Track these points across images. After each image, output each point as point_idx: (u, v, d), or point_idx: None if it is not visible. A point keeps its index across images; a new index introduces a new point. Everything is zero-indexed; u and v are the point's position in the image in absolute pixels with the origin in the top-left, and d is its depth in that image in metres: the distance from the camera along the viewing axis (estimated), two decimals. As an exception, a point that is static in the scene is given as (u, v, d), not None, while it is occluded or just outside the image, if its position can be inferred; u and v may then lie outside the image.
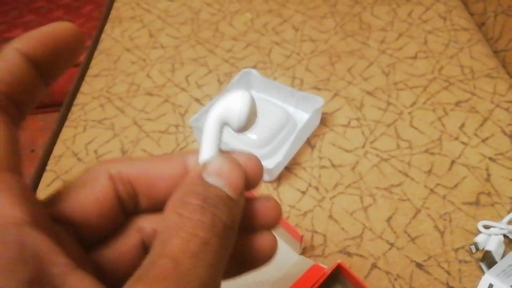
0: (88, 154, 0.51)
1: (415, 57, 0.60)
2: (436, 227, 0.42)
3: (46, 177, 0.50)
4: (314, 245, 0.42)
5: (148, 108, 0.56)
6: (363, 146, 0.50)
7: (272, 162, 0.45)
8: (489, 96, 0.54)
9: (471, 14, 0.69)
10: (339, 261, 0.36)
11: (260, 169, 0.17)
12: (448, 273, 0.39)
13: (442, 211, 0.43)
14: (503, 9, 0.62)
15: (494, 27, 0.63)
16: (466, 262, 0.40)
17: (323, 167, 0.48)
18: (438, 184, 0.45)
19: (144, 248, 0.17)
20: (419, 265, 0.40)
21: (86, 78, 0.62)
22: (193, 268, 0.13)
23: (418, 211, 0.43)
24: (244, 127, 0.16)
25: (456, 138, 0.50)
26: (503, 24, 0.62)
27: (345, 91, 0.56)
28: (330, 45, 0.63)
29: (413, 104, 0.54)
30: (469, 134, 0.50)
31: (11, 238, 0.11)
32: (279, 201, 0.45)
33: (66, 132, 0.55)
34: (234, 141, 0.48)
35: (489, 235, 0.40)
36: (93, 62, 0.65)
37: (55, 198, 0.15)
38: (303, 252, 0.41)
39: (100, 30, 0.71)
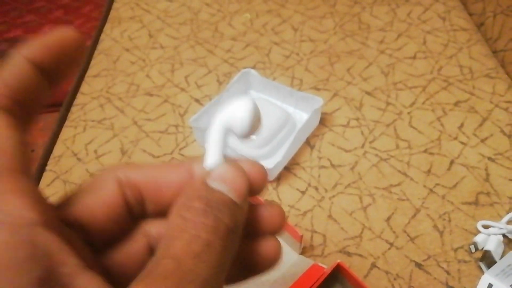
0: (88, 154, 0.51)
1: (414, 57, 0.60)
2: (435, 227, 0.42)
3: (46, 177, 0.50)
4: (313, 245, 0.42)
5: (147, 108, 0.56)
6: (363, 146, 0.50)
7: (271, 162, 0.45)
8: (488, 96, 0.54)
9: (470, 14, 0.69)
10: (338, 260, 0.36)
11: (264, 176, 0.17)
12: (448, 272, 0.39)
13: (441, 211, 0.43)
14: (502, 9, 0.62)
15: (493, 27, 0.63)
16: (465, 262, 0.40)
17: (323, 167, 0.48)
18: (437, 184, 0.46)
19: (151, 252, 0.17)
20: (418, 265, 0.40)
21: (86, 78, 0.62)
22: (195, 268, 0.13)
23: (417, 211, 0.43)
24: (247, 134, 0.16)
25: (455, 138, 0.50)
26: (502, 24, 0.62)
27: (344, 91, 0.56)
28: (329, 45, 0.63)
29: (412, 104, 0.54)
30: (468, 134, 0.50)
31: (23, 238, 0.11)
32: (278, 201, 0.45)
33: (66, 132, 0.55)
34: (234, 142, 0.48)
35: (488, 235, 0.40)
36: (92, 62, 0.65)
37: (66, 202, 0.15)
38: (303, 251, 0.41)
39: (100, 30, 0.71)
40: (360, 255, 0.41)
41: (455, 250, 0.40)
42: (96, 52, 0.66)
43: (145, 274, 0.13)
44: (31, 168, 0.13)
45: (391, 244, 0.41)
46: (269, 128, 0.48)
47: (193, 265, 0.13)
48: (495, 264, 0.37)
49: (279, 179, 0.47)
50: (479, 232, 0.41)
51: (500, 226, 0.40)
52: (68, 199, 0.15)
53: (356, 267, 0.40)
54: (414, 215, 0.43)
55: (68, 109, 0.59)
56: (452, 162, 0.47)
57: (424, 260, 0.40)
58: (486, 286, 0.37)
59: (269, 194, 0.46)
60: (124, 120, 0.55)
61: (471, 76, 0.57)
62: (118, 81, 0.60)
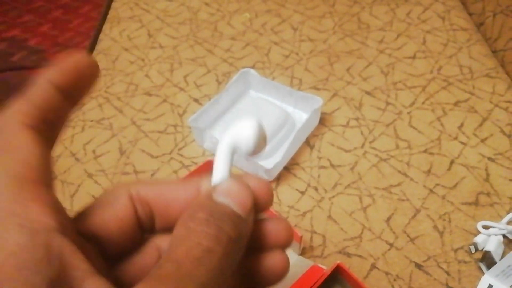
0: (86, 154, 0.51)
1: (414, 57, 0.60)
2: (435, 227, 0.42)
3: (44, 177, 0.50)
4: (313, 246, 0.42)
5: (146, 108, 0.56)
6: (362, 146, 0.50)
7: (271, 162, 0.45)
8: (488, 96, 0.54)
9: (470, 14, 0.69)
10: (338, 261, 0.36)
11: (269, 192, 0.18)
12: (448, 273, 0.39)
13: (441, 211, 0.43)
14: (502, 8, 0.62)
15: (493, 27, 0.63)
16: (465, 262, 0.39)
17: (322, 167, 0.48)
18: (437, 184, 0.45)
19: None
20: (418, 266, 0.39)
21: (84, 78, 0.62)
22: (194, 271, 0.13)
23: (417, 211, 0.43)
24: (253, 153, 0.17)
25: (455, 138, 0.50)
26: (502, 24, 0.62)
27: (344, 91, 0.56)
28: (328, 45, 0.63)
29: (412, 104, 0.54)
30: (468, 134, 0.50)
31: (40, 241, 0.12)
32: (278, 201, 0.45)
33: (64, 132, 0.54)
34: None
35: (489, 235, 0.40)
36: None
37: (81, 215, 0.16)
38: (302, 252, 0.41)
39: (99, 30, 0.71)
40: (360, 256, 0.40)
41: (455, 250, 0.40)
42: (95, 52, 0.66)
43: (147, 277, 0.13)
44: (53, 180, 0.14)
45: (391, 245, 0.41)
46: (269, 128, 0.48)
47: (192, 268, 0.13)
48: (495, 265, 0.37)
49: (278, 179, 0.47)
50: (479, 232, 0.41)
51: (500, 227, 0.40)
52: (84, 212, 0.16)
53: (356, 268, 0.40)
54: (414, 216, 0.43)
55: (66, 109, 0.58)
56: (452, 162, 0.47)
57: (424, 261, 0.40)
58: (486, 286, 0.37)
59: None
60: (123, 120, 0.55)
61: (471, 76, 0.57)
62: (117, 81, 0.60)
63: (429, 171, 0.47)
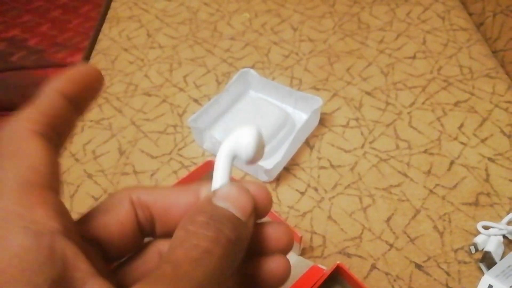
0: (86, 155, 0.51)
1: (414, 57, 0.60)
2: (435, 227, 0.42)
3: (44, 177, 0.50)
4: (313, 246, 0.41)
5: (146, 108, 0.56)
6: (362, 147, 0.50)
7: (270, 163, 0.45)
8: (488, 96, 0.54)
9: (470, 14, 0.68)
10: (338, 262, 0.36)
11: (269, 197, 0.18)
12: (448, 274, 0.39)
13: (441, 212, 0.43)
14: (502, 8, 0.62)
15: (493, 27, 0.63)
16: (465, 262, 0.39)
17: (322, 167, 0.48)
18: (437, 185, 0.45)
19: None
20: (418, 266, 0.39)
21: (84, 78, 0.62)
22: (192, 271, 0.14)
23: (417, 211, 0.43)
24: (252, 160, 0.18)
25: (455, 138, 0.50)
26: (502, 24, 0.62)
27: (344, 91, 0.56)
28: (328, 45, 0.63)
29: (412, 104, 0.54)
30: (468, 134, 0.50)
31: (44, 243, 0.12)
32: (278, 202, 0.45)
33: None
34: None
35: (489, 235, 0.40)
36: (91, 62, 0.65)
37: (84, 219, 0.17)
38: (302, 253, 0.41)
39: (98, 30, 0.71)
40: (360, 256, 0.40)
41: (455, 251, 0.40)
42: (94, 52, 0.66)
43: (145, 277, 0.14)
44: (60, 185, 0.15)
45: (391, 245, 0.41)
46: (268, 128, 0.48)
47: (189, 268, 0.14)
48: (495, 265, 0.37)
49: (278, 179, 0.47)
50: (479, 233, 0.41)
51: (500, 227, 0.40)
52: (86, 215, 0.17)
53: (356, 268, 0.40)
54: (414, 216, 0.43)
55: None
56: (452, 163, 0.47)
57: (424, 261, 0.40)
58: (486, 287, 0.37)
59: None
60: (122, 120, 0.55)
61: (471, 76, 0.57)
62: (116, 81, 0.60)
63: (429, 171, 0.47)
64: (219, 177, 0.18)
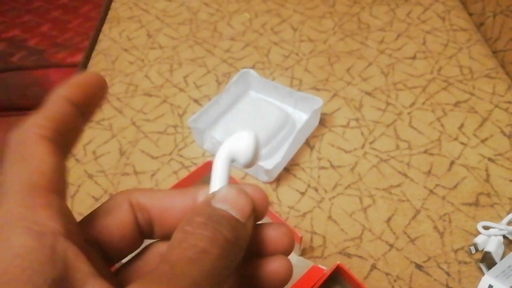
0: (86, 155, 0.51)
1: (414, 57, 0.60)
2: (435, 228, 0.42)
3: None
4: (313, 246, 0.41)
5: (146, 109, 0.56)
6: (362, 147, 0.50)
7: (271, 163, 0.45)
8: (488, 96, 0.54)
9: (470, 14, 0.69)
10: (338, 262, 0.36)
11: (265, 199, 0.18)
12: (448, 274, 0.39)
13: (441, 212, 0.43)
14: (502, 9, 0.62)
15: (493, 27, 0.63)
16: (465, 263, 0.39)
17: (322, 167, 0.48)
18: (437, 185, 0.45)
19: None
20: (418, 266, 0.39)
21: (84, 79, 0.62)
22: (188, 271, 0.14)
23: (417, 212, 0.43)
24: (250, 163, 0.18)
25: (455, 139, 0.50)
26: (502, 24, 0.62)
27: (344, 92, 0.56)
28: (328, 45, 0.63)
29: (412, 104, 0.54)
30: (468, 134, 0.50)
31: (45, 244, 0.13)
32: (278, 202, 0.45)
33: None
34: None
35: (489, 236, 0.40)
36: (91, 62, 0.65)
37: (85, 221, 0.17)
38: (302, 253, 0.41)
39: (98, 31, 0.71)
40: (360, 257, 0.40)
41: (456, 251, 0.40)
42: (94, 52, 0.66)
43: (142, 277, 0.14)
44: (66, 188, 0.15)
45: (391, 246, 0.41)
46: (269, 128, 0.48)
47: (186, 268, 0.14)
48: (496, 265, 0.37)
49: (278, 180, 0.47)
50: (479, 233, 0.41)
51: (500, 227, 0.40)
52: (87, 217, 0.17)
53: (356, 269, 0.40)
54: (414, 216, 0.43)
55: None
56: (452, 163, 0.47)
57: (424, 262, 0.40)
58: (487, 287, 0.37)
59: (268, 196, 0.46)
60: (123, 121, 0.55)
61: (471, 76, 0.57)
62: (116, 81, 0.60)
63: (429, 171, 0.47)
64: (218, 180, 0.18)
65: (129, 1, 0.75)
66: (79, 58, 0.94)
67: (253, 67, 0.60)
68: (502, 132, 0.50)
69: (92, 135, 0.53)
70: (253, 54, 0.63)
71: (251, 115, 0.51)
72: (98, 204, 0.18)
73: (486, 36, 0.64)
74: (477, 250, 0.40)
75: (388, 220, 0.43)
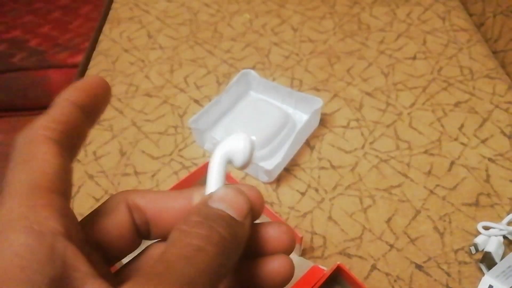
0: (87, 156, 0.51)
1: (414, 58, 0.60)
2: (435, 228, 0.42)
3: (45, 178, 0.50)
4: (313, 247, 0.42)
5: (147, 109, 0.56)
6: (363, 147, 0.50)
7: (271, 163, 0.45)
8: (488, 96, 0.54)
9: (470, 15, 0.69)
10: (338, 262, 0.36)
11: (261, 199, 0.19)
12: (448, 274, 0.39)
13: (441, 212, 0.43)
14: (502, 9, 0.62)
15: (493, 27, 0.63)
16: (465, 263, 0.40)
17: (323, 168, 0.48)
18: (437, 185, 0.45)
19: None
20: (418, 267, 0.39)
21: (85, 79, 0.62)
22: (183, 269, 0.14)
23: (417, 212, 0.43)
24: (245, 165, 0.19)
25: (456, 139, 0.50)
26: (502, 25, 0.62)
27: (344, 92, 0.56)
28: (329, 46, 0.63)
29: (413, 105, 0.54)
30: (469, 135, 0.50)
31: (45, 243, 0.13)
32: (278, 203, 0.45)
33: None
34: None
35: (489, 236, 0.40)
36: (91, 63, 0.65)
37: (84, 223, 0.17)
38: (303, 253, 0.41)
39: (99, 31, 0.71)
40: (360, 257, 0.40)
41: (456, 251, 0.40)
42: (95, 53, 0.66)
43: (137, 275, 0.14)
44: (70, 190, 0.16)
45: (392, 246, 0.41)
46: (269, 129, 0.48)
47: (181, 266, 0.14)
48: (496, 266, 0.37)
49: (278, 180, 0.47)
50: (479, 233, 0.41)
51: (500, 227, 0.40)
52: (86, 219, 0.18)
53: (356, 269, 0.40)
54: (415, 217, 0.43)
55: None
56: (452, 163, 0.47)
57: (424, 262, 0.40)
58: (487, 287, 0.37)
59: (269, 196, 0.46)
60: (123, 121, 0.55)
61: (471, 76, 0.57)
62: (117, 82, 0.60)
63: (429, 172, 0.47)
64: (214, 181, 0.18)
65: (129, 1, 0.75)
66: (79, 58, 0.95)
67: (253, 68, 0.60)
68: (502, 132, 0.50)
69: (92, 136, 0.53)
70: (253, 54, 0.63)
71: (251, 115, 0.51)
72: (98, 205, 0.19)
73: (486, 36, 0.64)
74: (477, 250, 0.40)
75: (388, 221, 0.43)
